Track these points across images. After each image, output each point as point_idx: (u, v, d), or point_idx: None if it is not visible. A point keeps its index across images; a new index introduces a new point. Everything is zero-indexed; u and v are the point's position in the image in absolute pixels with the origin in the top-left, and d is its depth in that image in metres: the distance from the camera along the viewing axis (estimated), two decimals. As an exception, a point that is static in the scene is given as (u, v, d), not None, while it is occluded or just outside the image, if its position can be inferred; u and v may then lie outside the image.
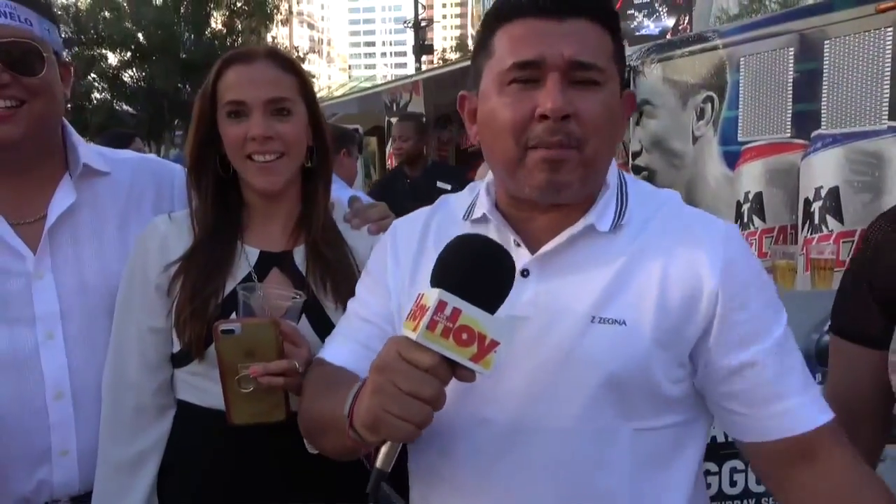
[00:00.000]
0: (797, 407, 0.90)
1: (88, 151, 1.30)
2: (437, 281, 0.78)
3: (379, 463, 0.79)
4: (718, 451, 2.03)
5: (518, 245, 0.96)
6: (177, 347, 1.21)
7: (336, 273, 1.22)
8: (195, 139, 1.23)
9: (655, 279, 0.91)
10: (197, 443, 1.21)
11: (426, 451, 0.98)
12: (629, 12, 8.29)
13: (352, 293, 1.10)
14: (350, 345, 1.01)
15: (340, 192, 2.96)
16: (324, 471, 1.08)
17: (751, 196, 4.34)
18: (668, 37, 6.25)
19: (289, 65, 1.23)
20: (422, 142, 4.75)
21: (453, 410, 0.89)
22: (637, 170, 5.36)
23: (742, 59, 4.57)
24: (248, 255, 1.23)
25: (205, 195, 1.24)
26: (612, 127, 0.93)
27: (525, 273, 0.94)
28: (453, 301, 0.75)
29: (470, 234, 0.85)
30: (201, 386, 1.19)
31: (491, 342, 0.76)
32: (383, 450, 0.79)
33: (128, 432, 1.22)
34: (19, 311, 1.19)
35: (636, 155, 5.48)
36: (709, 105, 4.89)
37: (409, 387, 0.75)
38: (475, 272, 0.78)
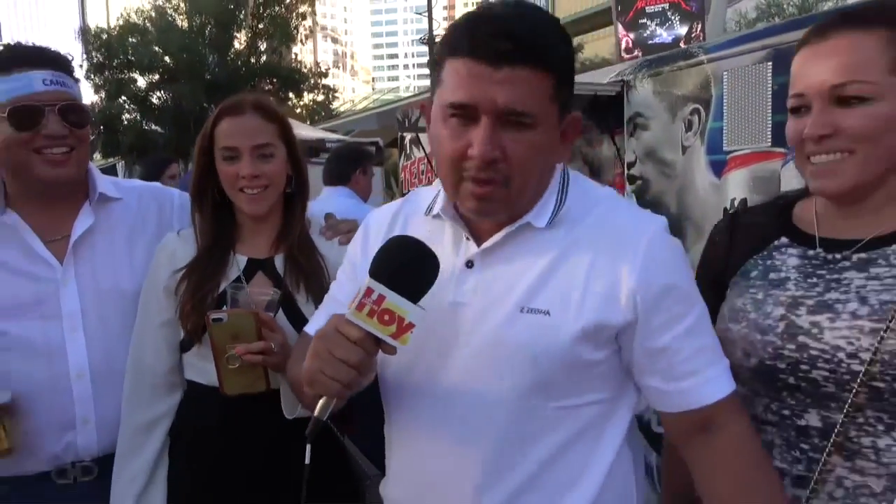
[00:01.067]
0: (700, 384, 1.01)
1: (104, 182, 1.59)
2: (371, 271, 0.93)
3: (316, 412, 0.94)
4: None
5: (468, 239, 1.06)
6: (182, 335, 1.48)
7: (308, 276, 1.48)
8: (197, 173, 1.51)
9: (582, 273, 1.00)
10: (199, 412, 1.48)
11: (392, 418, 1.13)
12: (641, 21, 8.50)
13: (321, 291, 1.34)
14: (318, 318, 1.19)
15: (354, 206, 3.16)
16: (298, 433, 1.33)
17: (736, 202, 4.49)
18: (682, 44, 6.41)
19: (271, 114, 1.51)
20: None
21: (406, 384, 1.06)
22: (632, 179, 5.56)
23: (725, 73, 4.75)
24: (238, 262, 1.49)
25: (205, 216, 1.52)
26: (540, 162, 1.00)
27: (470, 264, 1.05)
28: (379, 289, 0.90)
29: (405, 236, 1.01)
30: (202, 367, 1.46)
31: (408, 324, 0.91)
32: (320, 402, 0.94)
33: (145, 403, 1.48)
34: (50, 310, 1.47)
35: (631, 165, 5.68)
36: (696, 117, 5.07)
37: (340, 354, 0.90)
38: (402, 268, 0.93)
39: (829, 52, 1.03)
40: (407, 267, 0.94)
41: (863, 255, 1.06)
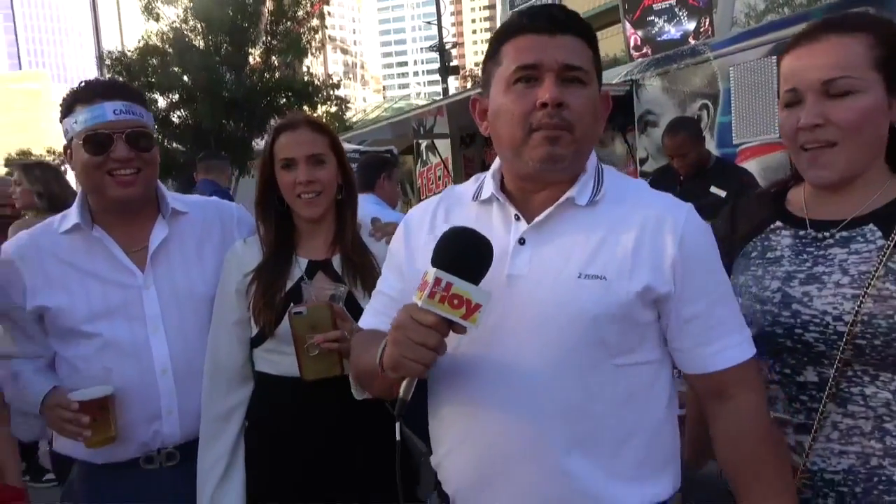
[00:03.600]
0: (718, 351, 1.12)
1: (173, 198, 1.78)
2: (435, 262, 1.01)
3: (401, 393, 1.05)
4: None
5: (518, 219, 1.16)
6: (254, 332, 1.66)
7: (364, 273, 1.65)
8: (260, 185, 1.70)
9: (630, 244, 1.11)
10: (271, 401, 1.66)
11: (446, 394, 1.19)
12: (649, 18, 8.61)
13: (374, 286, 1.46)
14: (374, 313, 1.30)
15: (380, 212, 3.36)
16: (357, 414, 1.51)
17: (750, 193, 4.64)
18: (691, 41, 6.57)
19: (322, 128, 1.70)
20: (699, 151, 3.96)
21: (467, 359, 1.12)
22: (644, 175, 5.70)
23: (731, 68, 4.89)
24: (300, 263, 1.66)
25: (268, 224, 1.70)
26: (594, 116, 1.14)
27: (522, 241, 1.14)
28: (446, 277, 0.98)
29: (459, 227, 1.07)
30: (273, 359, 1.64)
31: (476, 305, 0.99)
32: (403, 384, 1.05)
33: (221, 394, 1.65)
34: (135, 313, 1.65)
35: (643, 161, 5.82)
36: (705, 112, 5.21)
37: (418, 338, 0.99)
38: (462, 255, 1.02)
39: (819, 53, 1.19)
40: (466, 254, 1.03)
41: (844, 233, 1.22)
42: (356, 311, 1.59)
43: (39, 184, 3.44)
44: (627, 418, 1.12)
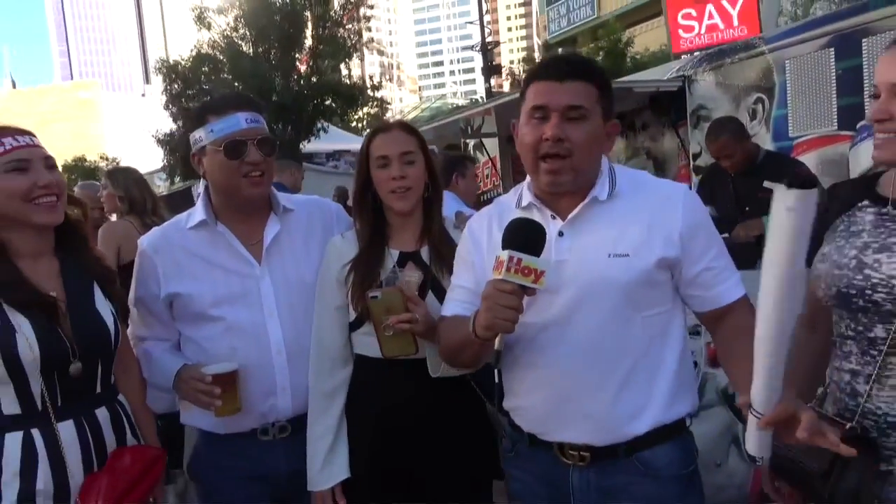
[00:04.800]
0: (723, 291, 1.49)
1: (282, 197, 1.97)
2: (505, 245, 1.32)
3: (496, 346, 1.34)
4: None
5: (554, 218, 1.50)
6: (352, 317, 1.83)
7: (449, 262, 1.79)
8: (357, 184, 1.87)
9: (645, 226, 1.45)
10: (367, 380, 1.83)
11: (520, 348, 1.51)
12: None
13: None
14: (454, 303, 1.60)
15: (458, 206, 3.55)
16: (440, 390, 1.71)
17: (806, 186, 4.63)
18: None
19: (412, 130, 1.88)
20: (745, 148, 3.86)
21: (530, 320, 1.41)
22: (698, 170, 5.71)
23: (787, 61, 4.88)
24: (391, 254, 1.84)
25: (364, 219, 1.88)
26: (593, 143, 1.46)
27: (561, 234, 1.48)
28: (517, 254, 1.29)
29: (519, 217, 1.39)
30: (368, 342, 1.80)
31: (541, 272, 1.30)
32: (497, 339, 1.34)
33: (326, 373, 1.83)
34: (253, 299, 1.82)
35: (696, 156, 5.84)
36: (760, 106, 5.20)
37: (503, 302, 1.30)
38: (525, 237, 1.33)
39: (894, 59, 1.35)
40: (528, 236, 1.34)
41: None
42: (443, 295, 1.76)
43: (121, 188, 3.69)
44: (656, 354, 1.48)
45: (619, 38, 19.72)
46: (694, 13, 15.20)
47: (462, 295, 1.58)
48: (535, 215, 1.48)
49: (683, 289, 1.51)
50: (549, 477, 1.53)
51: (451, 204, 3.72)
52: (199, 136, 1.82)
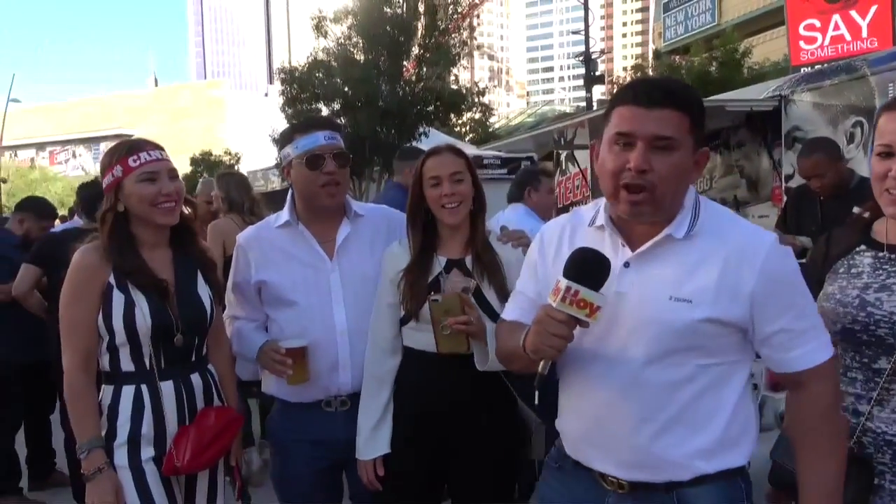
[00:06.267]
0: (800, 356, 1.36)
1: (356, 205, 2.27)
2: (566, 273, 1.30)
3: (539, 369, 1.33)
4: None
5: (623, 246, 1.41)
6: (402, 314, 2.09)
7: (490, 270, 2.03)
8: (411, 200, 2.12)
9: (715, 275, 1.34)
10: (414, 368, 2.08)
11: (568, 375, 1.49)
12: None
13: (500, 282, 1.94)
14: (515, 308, 1.61)
15: (524, 220, 3.78)
16: (481, 388, 1.93)
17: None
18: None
19: (460, 153, 2.11)
20: (837, 170, 3.77)
21: (584, 346, 1.40)
22: (789, 192, 5.51)
23: (891, 84, 4.63)
24: (439, 261, 2.07)
25: (416, 230, 2.08)
26: (678, 177, 1.34)
27: (627, 265, 1.40)
28: (575, 286, 1.27)
29: (586, 248, 1.35)
30: (415, 337, 2.05)
31: (597, 307, 1.27)
32: (541, 364, 1.33)
33: (379, 360, 2.07)
34: (323, 289, 2.12)
35: (789, 178, 5.63)
36: (858, 129, 4.96)
37: (553, 330, 1.28)
38: (588, 270, 1.30)
39: None
40: (590, 269, 1.31)
41: None
42: (483, 302, 1.98)
43: (223, 190, 4.18)
44: (708, 404, 1.37)
45: (736, 47, 18.87)
46: (818, 24, 14.34)
47: (523, 302, 1.60)
48: (606, 239, 1.44)
49: (758, 346, 1.40)
50: (586, 498, 1.49)
51: (523, 217, 3.94)
52: (288, 151, 2.16)
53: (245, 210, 4.06)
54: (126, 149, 1.92)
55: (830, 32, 13.96)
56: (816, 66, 5.57)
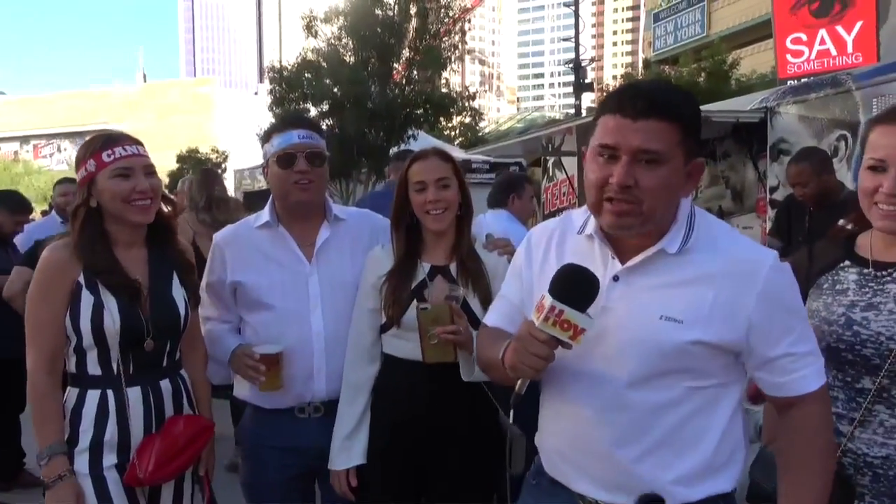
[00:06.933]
0: (795, 381, 1.30)
1: (336, 208, 2.23)
2: (552, 291, 1.23)
3: (516, 388, 1.29)
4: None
5: (613, 258, 1.34)
6: (383, 320, 2.04)
7: (475, 277, 1.99)
8: (396, 205, 2.07)
9: (710, 296, 1.25)
10: (393, 376, 2.03)
11: (549, 391, 1.45)
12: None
13: (484, 289, 1.89)
14: (497, 313, 1.56)
15: (509, 226, 3.75)
16: (456, 390, 1.88)
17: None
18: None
19: (447, 157, 2.07)
20: (822, 181, 3.81)
21: (565, 364, 1.31)
22: (774, 204, 5.55)
23: (875, 99, 4.67)
24: (423, 267, 2.03)
25: (400, 235, 2.08)
26: (667, 191, 1.26)
27: (616, 278, 1.33)
28: (560, 306, 1.20)
29: (574, 265, 1.26)
30: (396, 344, 2.01)
31: (581, 329, 1.21)
32: (518, 382, 1.29)
33: (357, 366, 2.03)
34: (301, 292, 2.06)
35: (773, 189, 5.67)
36: (842, 143, 5.00)
37: (533, 350, 1.23)
38: (574, 290, 1.23)
39: None
40: (577, 288, 1.24)
41: None
42: (467, 309, 1.93)
43: (187, 187, 4.17)
44: (695, 428, 1.31)
45: (724, 59, 19.05)
46: (805, 38, 14.51)
47: (505, 307, 1.55)
48: (596, 249, 1.37)
49: (752, 370, 1.33)
50: None
51: (507, 223, 3.91)
52: (266, 150, 2.12)
53: (200, 208, 3.96)
54: (101, 142, 1.85)
55: (817, 46, 14.12)
56: (803, 80, 5.63)
